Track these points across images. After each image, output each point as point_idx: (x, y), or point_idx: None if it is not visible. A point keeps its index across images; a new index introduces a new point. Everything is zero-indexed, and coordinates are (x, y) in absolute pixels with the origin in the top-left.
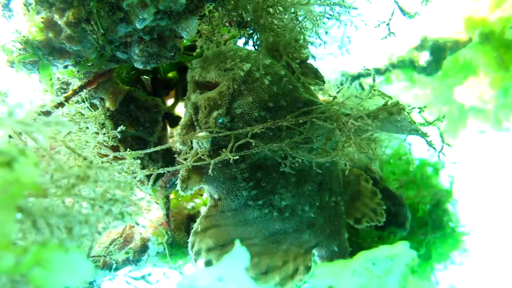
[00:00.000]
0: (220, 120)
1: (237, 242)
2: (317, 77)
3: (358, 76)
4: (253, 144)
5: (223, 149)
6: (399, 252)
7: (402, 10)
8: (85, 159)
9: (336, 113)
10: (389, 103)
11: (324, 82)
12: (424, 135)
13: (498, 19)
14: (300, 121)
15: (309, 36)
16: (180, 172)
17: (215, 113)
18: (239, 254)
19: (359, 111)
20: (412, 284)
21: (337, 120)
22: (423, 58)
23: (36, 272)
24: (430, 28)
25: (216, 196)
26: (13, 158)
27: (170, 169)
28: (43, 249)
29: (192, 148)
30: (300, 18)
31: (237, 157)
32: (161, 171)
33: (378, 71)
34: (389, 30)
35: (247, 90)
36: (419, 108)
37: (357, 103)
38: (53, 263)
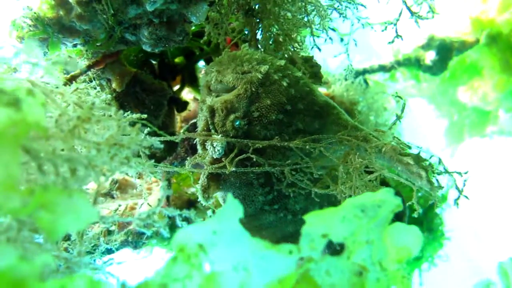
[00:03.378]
0: (237, 123)
1: (229, 195)
2: (316, 77)
3: (364, 72)
4: (255, 159)
5: (236, 155)
6: (385, 199)
7: (410, 11)
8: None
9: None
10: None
11: (320, 82)
12: (436, 189)
13: (506, 21)
14: (307, 147)
15: (316, 29)
16: (200, 181)
17: (232, 116)
18: (232, 206)
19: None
20: (395, 228)
21: (345, 157)
22: (429, 57)
23: (42, 214)
24: (438, 27)
25: None
26: (21, 98)
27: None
28: (47, 193)
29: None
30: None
31: (233, 168)
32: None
33: (384, 68)
34: (396, 32)
35: (265, 93)
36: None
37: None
38: (58, 207)
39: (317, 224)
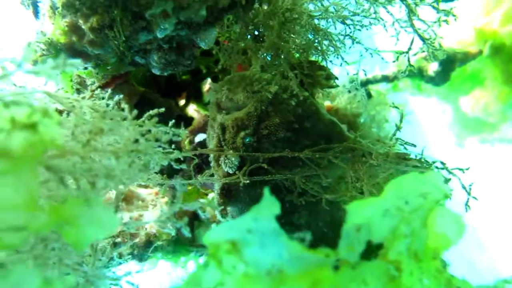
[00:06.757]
0: (247, 140)
1: (266, 191)
2: (329, 78)
3: (366, 82)
4: (268, 168)
5: (242, 171)
6: (432, 189)
7: (421, 38)
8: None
9: (356, 155)
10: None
11: (336, 78)
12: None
13: (509, 33)
14: (317, 155)
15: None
16: (215, 200)
17: (242, 133)
18: (269, 202)
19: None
20: (439, 214)
21: (354, 162)
22: (432, 68)
23: (67, 228)
24: (441, 39)
25: None
26: (37, 121)
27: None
28: (66, 205)
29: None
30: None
31: (248, 181)
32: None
33: (387, 78)
34: (408, 61)
35: (274, 112)
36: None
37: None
38: (80, 219)
39: (357, 222)
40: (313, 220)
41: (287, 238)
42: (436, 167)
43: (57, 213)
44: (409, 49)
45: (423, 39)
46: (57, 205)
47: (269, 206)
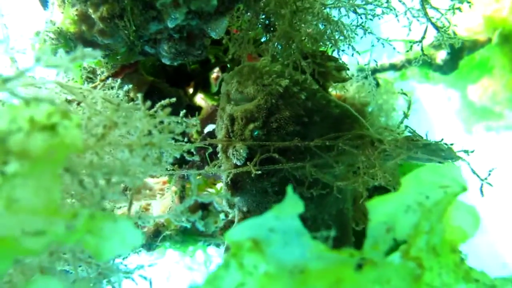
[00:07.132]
0: (255, 133)
1: (289, 189)
2: (340, 69)
3: (374, 71)
4: (277, 159)
5: (251, 162)
6: (451, 183)
7: (435, 27)
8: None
9: (365, 142)
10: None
11: (348, 69)
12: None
13: None
14: (327, 143)
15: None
16: (223, 192)
17: (251, 125)
18: (292, 201)
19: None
20: (455, 208)
21: (364, 148)
22: (440, 56)
23: (89, 238)
24: (455, 27)
25: (244, 209)
26: (57, 122)
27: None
28: (94, 220)
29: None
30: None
31: (260, 171)
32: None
33: (394, 67)
34: (422, 51)
35: (284, 105)
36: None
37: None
38: (104, 231)
39: (382, 222)
40: (319, 213)
41: (310, 237)
42: (445, 144)
43: (82, 226)
44: (423, 38)
45: (437, 27)
46: (81, 213)
47: (292, 205)
